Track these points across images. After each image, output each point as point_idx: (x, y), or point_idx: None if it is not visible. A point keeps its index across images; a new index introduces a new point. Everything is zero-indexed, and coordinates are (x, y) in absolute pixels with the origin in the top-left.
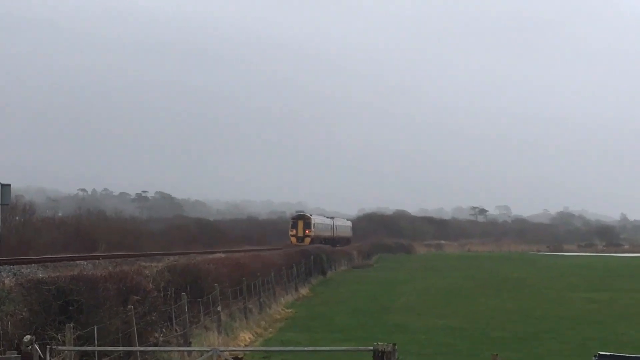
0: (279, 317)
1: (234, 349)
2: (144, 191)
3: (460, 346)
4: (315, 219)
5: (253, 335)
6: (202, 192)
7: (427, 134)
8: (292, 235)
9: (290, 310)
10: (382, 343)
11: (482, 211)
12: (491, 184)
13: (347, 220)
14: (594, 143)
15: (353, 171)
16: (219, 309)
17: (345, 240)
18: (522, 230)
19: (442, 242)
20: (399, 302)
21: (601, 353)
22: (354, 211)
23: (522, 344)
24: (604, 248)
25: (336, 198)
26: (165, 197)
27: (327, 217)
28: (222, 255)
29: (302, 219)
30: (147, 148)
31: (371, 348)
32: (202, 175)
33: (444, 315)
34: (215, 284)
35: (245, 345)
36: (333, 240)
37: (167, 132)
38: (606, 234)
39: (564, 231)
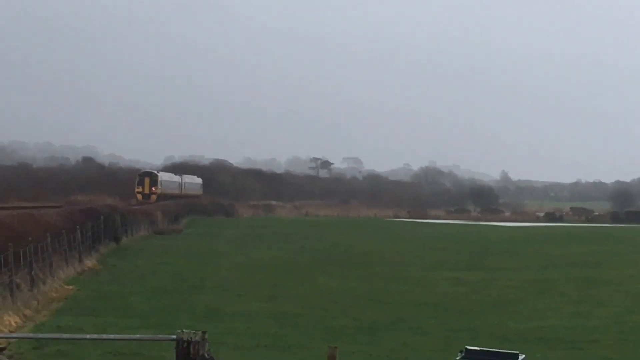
0: (56, 295)
1: None
2: None
3: (290, 337)
4: (163, 176)
5: (21, 319)
6: None
7: (249, 61)
8: (138, 192)
9: (71, 287)
10: (188, 331)
11: (326, 164)
12: (338, 131)
13: (198, 177)
14: (469, 84)
15: (158, 111)
16: None
17: (194, 198)
18: (376, 189)
19: (273, 202)
20: (213, 279)
21: (468, 347)
22: (159, 159)
23: (369, 336)
24: (479, 215)
25: (137, 143)
26: None
27: (176, 175)
28: None
29: (148, 176)
30: None
31: (174, 337)
32: None
33: (271, 297)
34: None
35: (10, 331)
36: (181, 198)
37: None
38: (482, 197)
39: (429, 192)
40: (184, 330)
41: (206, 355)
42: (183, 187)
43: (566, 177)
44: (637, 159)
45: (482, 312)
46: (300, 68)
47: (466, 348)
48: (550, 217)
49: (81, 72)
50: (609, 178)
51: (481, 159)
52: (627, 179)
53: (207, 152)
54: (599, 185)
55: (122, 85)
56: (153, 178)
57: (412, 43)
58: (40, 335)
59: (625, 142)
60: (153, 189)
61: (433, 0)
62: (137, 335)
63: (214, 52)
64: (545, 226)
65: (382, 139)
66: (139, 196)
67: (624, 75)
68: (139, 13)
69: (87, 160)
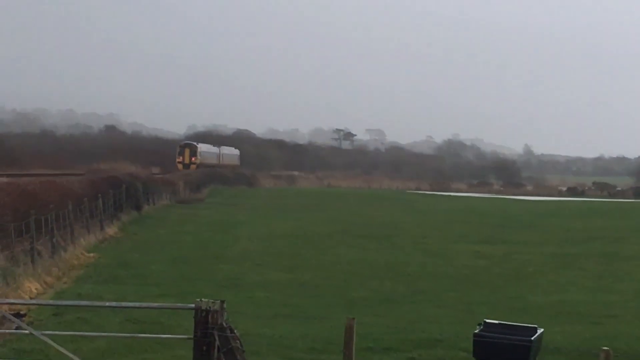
0: (77, 263)
1: (14, 301)
2: None
3: (309, 307)
4: (202, 147)
5: (42, 286)
6: None
7: (273, 34)
8: (179, 162)
9: (92, 255)
10: (206, 300)
11: (349, 135)
12: (360, 101)
13: (235, 149)
14: (492, 56)
15: (181, 80)
16: None
17: (231, 168)
18: (398, 161)
19: (295, 173)
20: (233, 249)
21: (487, 321)
22: (181, 129)
23: (388, 307)
24: (502, 188)
25: (159, 110)
26: None
27: (214, 146)
28: (5, 179)
29: (188, 147)
30: None
31: (192, 306)
32: None
33: (291, 267)
34: None
35: (31, 298)
36: (220, 167)
37: None
38: (505, 171)
39: (452, 165)
40: (203, 299)
41: (224, 324)
42: (221, 157)
43: (589, 151)
44: None
45: (501, 286)
46: (324, 40)
47: (485, 321)
48: (572, 191)
49: (104, 40)
50: (632, 153)
51: (504, 133)
52: None
53: (230, 121)
54: (622, 160)
55: (145, 55)
56: (192, 149)
57: (435, 16)
58: (60, 302)
59: None
60: (193, 159)
61: None
62: (156, 304)
63: (238, 24)
64: (567, 200)
65: (405, 111)
66: (180, 166)
67: None
68: None
69: (110, 128)
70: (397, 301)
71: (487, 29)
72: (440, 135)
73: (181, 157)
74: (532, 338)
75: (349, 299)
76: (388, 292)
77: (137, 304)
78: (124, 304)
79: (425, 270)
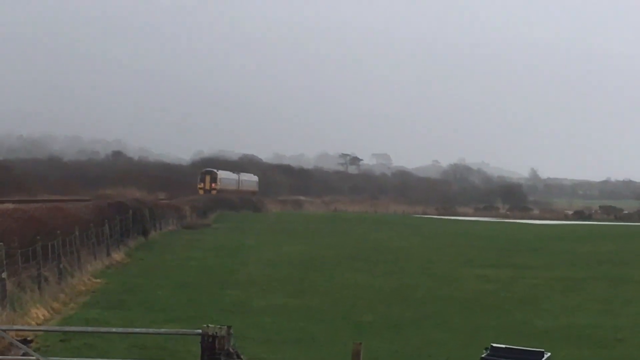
0: (84, 289)
1: (22, 327)
2: None
3: (316, 332)
4: (221, 174)
5: (49, 312)
6: None
7: (280, 59)
8: (200, 188)
9: (99, 280)
10: (213, 325)
11: (355, 160)
12: (367, 126)
13: (254, 175)
14: (498, 80)
15: (188, 106)
16: (3, 275)
17: (250, 194)
18: (404, 186)
19: (302, 198)
20: (240, 274)
21: (494, 345)
22: (188, 154)
23: (396, 332)
24: (508, 212)
25: (167, 138)
26: None
27: (234, 173)
28: (11, 205)
29: (209, 174)
30: None
31: (199, 331)
32: None
33: (298, 292)
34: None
35: (38, 324)
36: (239, 193)
37: None
38: (511, 195)
39: (459, 189)
40: (210, 325)
41: (231, 349)
42: (240, 184)
43: (596, 175)
44: None
45: (508, 310)
46: (331, 65)
47: (492, 345)
48: (579, 215)
49: (111, 66)
50: (639, 176)
51: (510, 157)
52: None
53: (236, 147)
54: (628, 183)
55: (152, 80)
56: (213, 176)
57: (438, 40)
58: (67, 328)
59: None
60: (213, 185)
61: None
62: (163, 330)
63: (241, 48)
64: (574, 224)
65: (411, 135)
66: (201, 191)
67: None
68: (164, 8)
69: (117, 154)
70: (404, 326)
71: (491, 54)
72: (447, 159)
73: (202, 184)
74: None
75: (356, 324)
76: (395, 317)
77: (143, 330)
78: (130, 329)
79: (432, 294)
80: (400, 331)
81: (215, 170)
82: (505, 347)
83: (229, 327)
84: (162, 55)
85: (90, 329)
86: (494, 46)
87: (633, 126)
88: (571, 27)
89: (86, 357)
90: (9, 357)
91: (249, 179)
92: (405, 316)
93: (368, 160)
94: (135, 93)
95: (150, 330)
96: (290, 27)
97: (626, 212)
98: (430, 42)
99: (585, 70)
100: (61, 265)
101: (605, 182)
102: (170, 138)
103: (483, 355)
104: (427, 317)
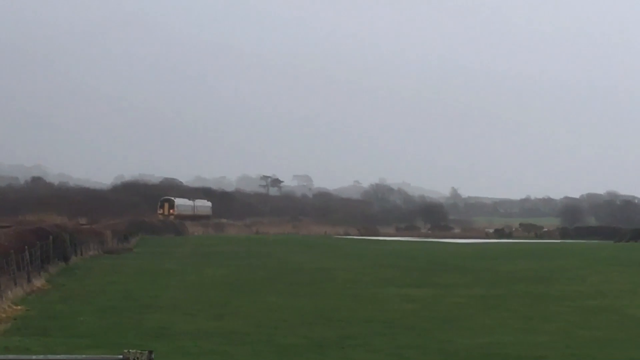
0: (4, 316)
1: None
2: None
3: (238, 356)
4: (178, 201)
5: None
6: None
7: (200, 80)
8: (160, 214)
9: (19, 307)
10: (134, 350)
11: (276, 182)
12: (288, 148)
13: (207, 201)
14: (418, 101)
15: (107, 130)
16: None
17: (205, 217)
18: (326, 207)
19: (223, 221)
20: (163, 298)
21: None
22: (108, 179)
23: (318, 354)
24: (429, 232)
25: (86, 162)
26: None
27: (190, 200)
28: None
29: (167, 201)
30: None
31: (120, 356)
32: None
33: (220, 315)
34: None
35: None
36: (194, 218)
37: None
38: (432, 214)
39: (380, 209)
40: (130, 350)
41: None
42: (195, 209)
43: (515, 193)
44: (585, 175)
45: (431, 329)
46: (248, 85)
47: None
48: (499, 233)
49: (29, 90)
50: (557, 194)
51: (431, 176)
52: (576, 195)
53: (157, 171)
54: (548, 201)
55: (70, 104)
56: (170, 203)
57: (362, 62)
58: None
59: (573, 159)
60: (171, 211)
61: (394, 18)
62: (84, 356)
63: (161, 69)
64: (494, 242)
65: (332, 156)
66: (160, 216)
67: (573, 92)
68: (85, 27)
69: (36, 179)
70: (327, 347)
71: (410, 73)
72: (367, 179)
73: (162, 210)
74: None
75: (279, 346)
76: (318, 338)
77: (64, 357)
78: (51, 356)
79: (355, 315)
80: (323, 353)
81: (172, 198)
82: None
83: (150, 352)
84: (80, 79)
85: (11, 356)
86: (410, 67)
87: (551, 145)
88: (477, 49)
89: None
90: None
91: (203, 204)
92: (328, 337)
93: (289, 182)
94: (54, 118)
95: (72, 357)
96: (197, 48)
97: (546, 229)
98: (347, 61)
99: (501, 92)
100: None
101: (525, 200)
102: (91, 163)
103: None
104: (350, 338)
